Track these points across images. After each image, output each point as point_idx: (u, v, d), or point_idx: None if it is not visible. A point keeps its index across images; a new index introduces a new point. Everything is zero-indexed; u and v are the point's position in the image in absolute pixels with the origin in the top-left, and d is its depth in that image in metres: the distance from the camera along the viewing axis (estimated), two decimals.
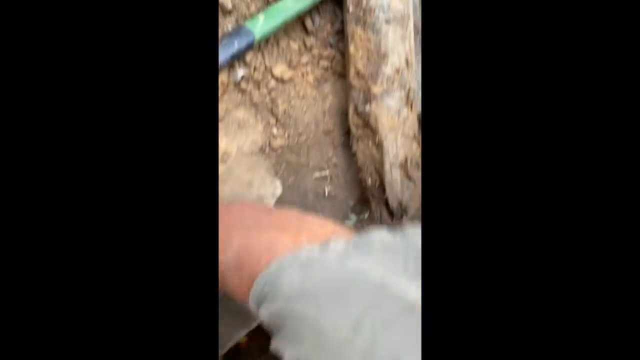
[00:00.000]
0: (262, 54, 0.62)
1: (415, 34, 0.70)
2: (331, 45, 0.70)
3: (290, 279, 0.32)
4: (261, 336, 0.95)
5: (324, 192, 0.76)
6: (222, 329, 0.64)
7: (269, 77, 0.63)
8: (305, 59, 0.67)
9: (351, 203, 0.79)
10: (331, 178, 0.76)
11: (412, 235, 0.32)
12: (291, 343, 0.30)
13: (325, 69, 0.70)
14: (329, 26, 0.69)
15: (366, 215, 0.80)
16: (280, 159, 0.68)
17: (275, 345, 0.31)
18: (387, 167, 0.62)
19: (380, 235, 0.34)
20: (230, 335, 0.68)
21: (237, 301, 0.40)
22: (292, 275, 0.32)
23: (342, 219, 0.80)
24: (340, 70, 0.71)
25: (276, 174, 0.68)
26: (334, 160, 0.74)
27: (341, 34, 0.69)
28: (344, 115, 0.72)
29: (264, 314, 0.33)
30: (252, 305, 0.35)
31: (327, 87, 0.70)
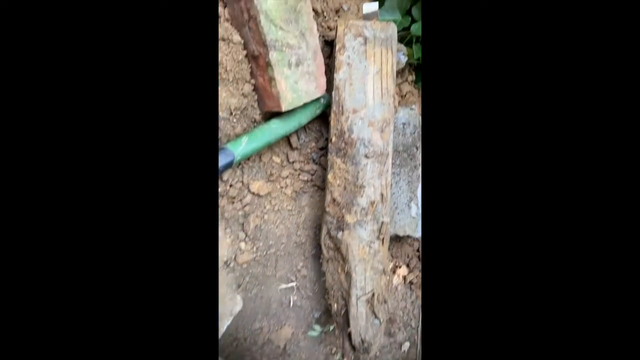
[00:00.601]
0: (242, 170, 0.63)
1: (393, 161, 0.72)
2: (314, 161, 0.71)
3: None
4: None
5: (290, 302, 0.73)
6: None
7: (246, 192, 0.63)
8: (286, 172, 0.68)
9: (317, 314, 0.76)
10: (298, 289, 0.73)
11: None
12: None
13: (305, 182, 0.71)
14: (313, 143, 0.71)
15: (331, 328, 0.76)
16: (245, 272, 0.65)
17: None
18: (353, 299, 0.60)
19: None
20: None
21: None
22: None
23: (306, 329, 0.75)
24: (321, 183, 0.72)
25: (239, 286, 0.65)
26: (303, 272, 0.72)
27: (325, 150, 0.71)
28: (319, 227, 0.71)
29: None
30: None
31: (304, 200, 0.71)
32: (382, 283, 0.61)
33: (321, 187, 0.71)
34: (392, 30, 0.63)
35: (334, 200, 0.61)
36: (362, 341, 0.60)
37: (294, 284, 0.71)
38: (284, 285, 0.70)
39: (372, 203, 0.61)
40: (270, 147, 0.66)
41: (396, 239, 0.78)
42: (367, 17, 0.66)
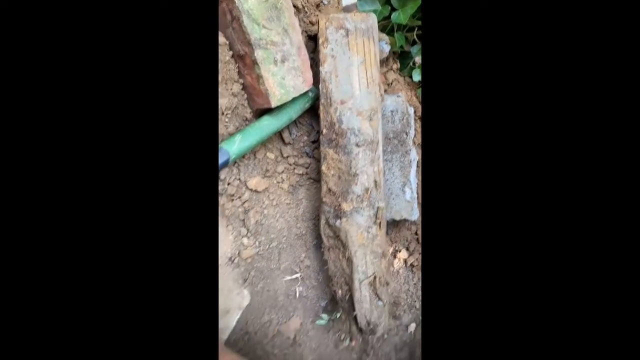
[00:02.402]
0: (238, 168, 0.64)
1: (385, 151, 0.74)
2: (307, 154, 0.73)
3: None
4: None
5: (296, 293, 0.75)
6: None
7: (244, 189, 0.65)
8: (281, 167, 0.70)
9: (323, 303, 0.78)
10: (303, 279, 0.75)
11: None
12: None
13: (301, 175, 0.72)
14: (305, 137, 0.73)
15: (338, 315, 0.78)
16: (250, 267, 0.67)
17: None
18: (356, 284, 0.62)
19: None
20: None
21: None
22: None
23: (314, 318, 0.78)
24: (316, 176, 0.73)
25: (244, 281, 0.67)
26: (306, 262, 0.74)
27: (318, 143, 0.73)
28: (317, 218, 0.73)
29: None
30: None
31: (301, 193, 0.72)
32: (382, 266, 0.63)
33: (316, 179, 0.73)
34: (373, 20, 0.64)
35: (329, 190, 0.63)
36: (368, 323, 0.62)
37: (298, 275, 0.73)
38: (288, 277, 0.72)
39: (367, 190, 0.63)
40: (263, 143, 0.68)
41: (394, 224, 0.80)
42: (347, 9, 0.67)
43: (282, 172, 0.70)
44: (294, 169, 0.71)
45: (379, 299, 0.62)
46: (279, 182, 0.69)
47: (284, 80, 0.60)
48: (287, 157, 0.70)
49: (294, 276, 0.73)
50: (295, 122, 0.71)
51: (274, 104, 0.59)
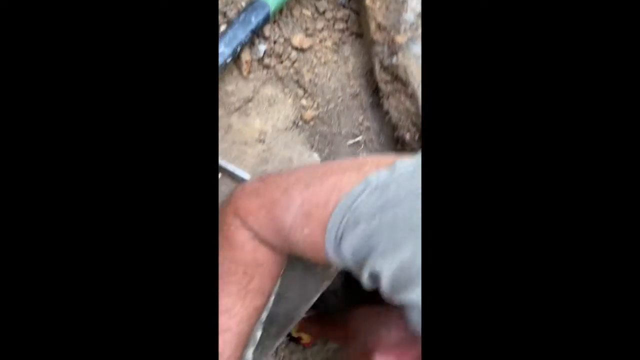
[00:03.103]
0: (279, 26, 0.61)
1: None
2: (344, 6, 0.67)
3: (368, 200, 0.30)
4: (324, 328, 0.94)
5: None
6: (300, 286, 0.62)
7: (289, 48, 0.62)
8: (320, 24, 0.65)
9: None
10: (365, 143, 0.75)
11: None
12: (389, 254, 0.28)
13: (342, 31, 0.68)
14: None
15: None
16: (313, 131, 0.67)
17: (372, 266, 0.30)
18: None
19: None
20: (314, 290, 0.65)
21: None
22: (370, 197, 0.30)
23: None
24: (357, 29, 0.68)
25: (312, 147, 0.68)
26: (366, 123, 0.73)
27: None
28: (369, 74, 0.70)
29: (347, 248, 0.32)
30: (330, 249, 0.34)
31: (346, 50, 0.69)
32: None
33: (358, 33, 0.69)
34: None
35: (379, 25, 0.59)
36: None
37: (360, 137, 0.72)
38: (351, 141, 0.72)
39: (419, 15, 0.58)
40: (297, 0, 0.63)
41: None
42: None
43: (323, 29, 0.66)
44: (334, 24, 0.66)
45: None
46: (321, 40, 0.66)
47: None
48: (324, 12, 0.65)
49: (357, 139, 0.72)
50: None
51: None
